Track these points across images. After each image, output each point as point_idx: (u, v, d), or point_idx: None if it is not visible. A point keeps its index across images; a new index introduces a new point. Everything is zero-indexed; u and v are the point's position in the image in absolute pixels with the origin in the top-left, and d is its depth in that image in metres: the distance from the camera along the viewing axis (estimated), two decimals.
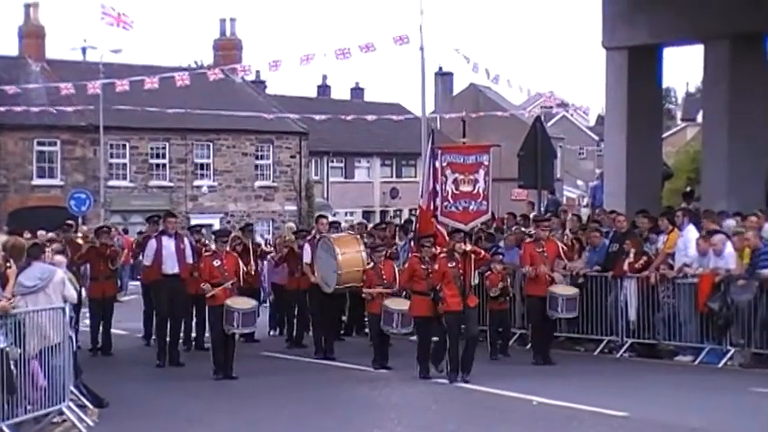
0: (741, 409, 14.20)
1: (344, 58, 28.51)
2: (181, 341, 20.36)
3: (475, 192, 17.17)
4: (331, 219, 26.05)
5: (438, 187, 17.42)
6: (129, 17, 26.63)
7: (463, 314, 16.34)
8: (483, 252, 17.60)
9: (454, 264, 16.43)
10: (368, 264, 18.82)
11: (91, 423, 13.67)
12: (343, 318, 22.87)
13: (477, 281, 17.44)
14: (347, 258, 18.93)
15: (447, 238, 17.13)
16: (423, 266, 16.91)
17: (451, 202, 17.19)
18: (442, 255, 16.68)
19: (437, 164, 17.59)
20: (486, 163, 17.34)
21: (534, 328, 19.14)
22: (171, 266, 19.60)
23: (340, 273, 18.85)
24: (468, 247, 16.69)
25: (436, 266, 16.57)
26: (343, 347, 20.40)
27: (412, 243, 20.01)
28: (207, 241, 21.98)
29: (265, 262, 23.57)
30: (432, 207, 17.63)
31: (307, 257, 20.39)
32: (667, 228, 19.52)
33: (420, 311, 16.96)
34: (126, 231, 40.21)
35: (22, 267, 13.92)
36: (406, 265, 17.88)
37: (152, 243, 20.00)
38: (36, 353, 13.08)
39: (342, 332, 22.51)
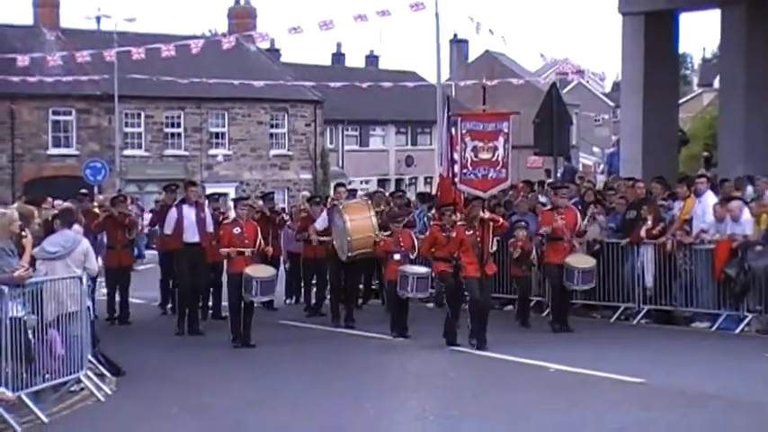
0: (758, 375, 14.18)
1: (362, 20, 28.48)
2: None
3: (494, 159, 17.11)
4: (349, 187, 25.99)
5: (457, 155, 17.34)
6: None
7: (480, 281, 16.34)
8: (501, 219, 17.58)
9: (472, 231, 16.41)
10: (379, 229, 18.83)
11: (109, 391, 13.72)
12: (360, 286, 22.88)
13: (495, 248, 17.43)
14: (356, 225, 18.90)
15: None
16: (444, 234, 16.89)
17: (470, 169, 17.12)
18: (460, 222, 16.68)
19: (454, 131, 17.51)
20: (505, 130, 17.27)
21: (554, 296, 19.08)
22: (191, 235, 19.57)
23: (350, 239, 18.85)
24: (487, 215, 16.66)
25: (454, 234, 16.57)
26: (361, 315, 20.41)
27: (432, 211, 19.96)
28: (224, 210, 21.97)
29: (284, 231, 23.52)
30: (451, 175, 17.56)
31: (319, 224, 20.45)
32: (684, 194, 19.46)
33: (442, 268, 16.97)
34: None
35: (39, 236, 14.00)
36: (427, 234, 17.84)
37: (173, 212, 19.94)
38: (53, 319, 13.13)
39: (360, 300, 22.54)
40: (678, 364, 15.24)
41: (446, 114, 18.49)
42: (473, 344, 16.35)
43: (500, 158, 17.15)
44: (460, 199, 17.38)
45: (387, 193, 26.44)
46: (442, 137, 18.94)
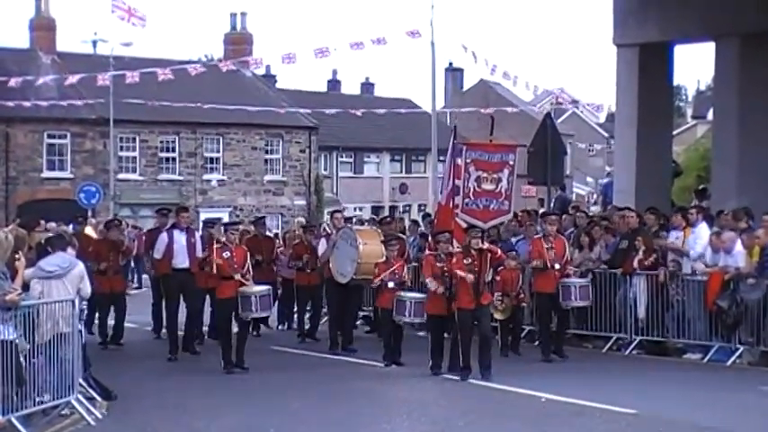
0: (749, 408, 14.20)
1: (357, 48, 28.50)
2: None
3: (497, 191, 17.06)
4: (344, 214, 26.03)
5: (460, 184, 17.23)
6: (141, 11, 26.55)
7: (476, 312, 16.25)
8: (499, 251, 17.54)
9: (470, 261, 16.32)
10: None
11: (99, 415, 13.69)
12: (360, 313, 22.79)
13: (489, 277, 17.42)
14: (368, 250, 18.91)
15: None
16: (438, 264, 16.82)
17: (472, 199, 17.04)
18: (458, 251, 16.58)
19: (459, 160, 17.39)
20: (511, 162, 17.23)
21: (542, 325, 19.07)
22: (181, 260, 19.64)
23: (360, 262, 18.81)
24: (485, 245, 16.58)
25: (453, 261, 16.47)
26: (355, 343, 20.34)
27: (428, 239, 19.90)
28: (218, 235, 21.95)
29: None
30: (452, 204, 17.46)
31: (322, 251, 20.45)
32: (681, 225, 19.46)
33: (435, 310, 16.90)
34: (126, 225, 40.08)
35: (31, 259, 14.00)
36: (424, 263, 17.66)
37: (163, 236, 20.02)
38: (46, 340, 13.10)
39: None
40: (670, 395, 15.24)
41: (451, 142, 18.30)
42: (463, 377, 16.28)
43: (503, 190, 17.10)
44: (458, 229, 17.25)
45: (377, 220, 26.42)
46: (445, 165, 18.79)
